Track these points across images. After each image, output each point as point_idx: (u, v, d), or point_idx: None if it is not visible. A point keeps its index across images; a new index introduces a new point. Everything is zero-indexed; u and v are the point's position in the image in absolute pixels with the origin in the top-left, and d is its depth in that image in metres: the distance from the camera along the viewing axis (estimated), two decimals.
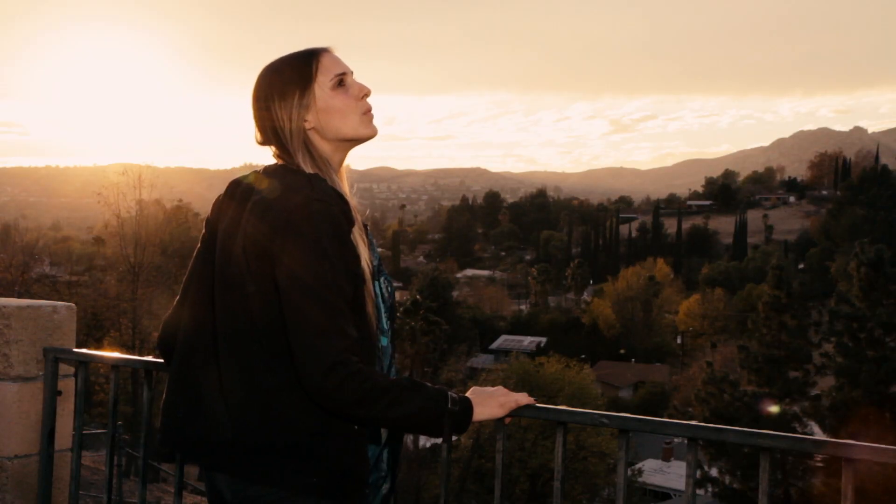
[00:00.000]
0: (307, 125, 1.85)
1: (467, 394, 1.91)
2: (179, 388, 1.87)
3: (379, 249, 1.93)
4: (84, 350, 3.01)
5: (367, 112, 1.90)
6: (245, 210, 1.79)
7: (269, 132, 1.87)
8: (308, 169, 1.83)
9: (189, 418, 1.83)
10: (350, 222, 1.76)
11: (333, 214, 1.72)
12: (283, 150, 1.86)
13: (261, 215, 1.74)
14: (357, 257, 1.77)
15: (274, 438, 1.72)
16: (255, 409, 1.73)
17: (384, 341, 1.86)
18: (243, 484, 1.75)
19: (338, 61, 1.89)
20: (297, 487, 1.72)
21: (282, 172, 1.82)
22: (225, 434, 1.75)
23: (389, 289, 1.92)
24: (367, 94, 1.90)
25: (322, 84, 1.85)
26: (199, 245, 1.95)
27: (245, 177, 1.90)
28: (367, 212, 1.94)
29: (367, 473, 1.79)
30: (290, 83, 1.85)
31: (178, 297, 1.97)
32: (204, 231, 1.94)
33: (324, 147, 1.88)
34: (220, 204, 1.92)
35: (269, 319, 1.73)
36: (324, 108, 1.85)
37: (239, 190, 1.87)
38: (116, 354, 2.82)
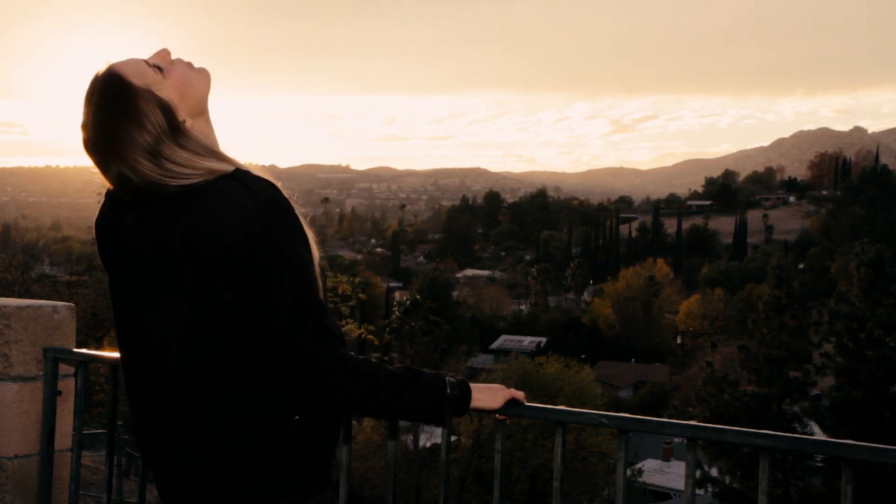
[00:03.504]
0: (186, 125, 1.69)
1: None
2: (144, 431, 1.78)
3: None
4: (84, 350, 3.00)
5: (190, 65, 1.75)
6: (166, 231, 1.64)
7: (153, 188, 1.64)
8: (215, 166, 1.67)
9: (164, 462, 1.74)
10: (293, 209, 1.68)
11: (288, 210, 1.65)
12: (179, 184, 1.64)
13: (212, 230, 1.60)
14: (309, 245, 1.70)
15: (256, 460, 1.67)
16: (230, 436, 1.67)
17: None
18: None
19: (133, 59, 1.71)
20: (285, 495, 1.70)
21: (199, 185, 1.64)
22: (202, 469, 1.68)
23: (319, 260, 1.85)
24: (169, 53, 1.74)
25: (156, 84, 1.68)
26: (108, 279, 1.81)
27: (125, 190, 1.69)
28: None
29: (334, 457, 1.80)
30: (139, 125, 1.64)
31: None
32: (104, 266, 1.81)
33: (202, 130, 1.73)
34: (112, 226, 1.76)
35: (222, 343, 1.65)
36: (179, 96, 1.69)
37: (135, 207, 1.69)
38: (116, 354, 2.80)
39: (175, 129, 1.67)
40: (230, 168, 1.67)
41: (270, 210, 1.61)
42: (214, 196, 1.62)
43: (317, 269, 1.71)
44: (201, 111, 1.75)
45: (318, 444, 1.73)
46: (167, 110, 1.67)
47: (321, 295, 1.71)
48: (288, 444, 1.68)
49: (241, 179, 1.64)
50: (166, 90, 1.69)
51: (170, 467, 1.73)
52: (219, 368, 1.66)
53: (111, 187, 1.75)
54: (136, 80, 1.67)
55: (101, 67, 1.70)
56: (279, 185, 1.68)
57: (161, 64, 1.71)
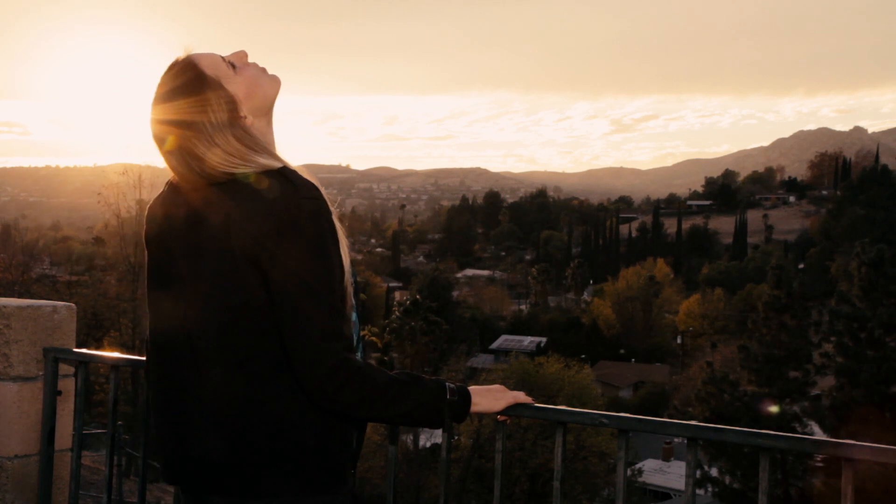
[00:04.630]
0: (247, 121, 1.79)
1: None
2: (163, 414, 1.83)
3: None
4: (84, 350, 3.00)
5: (264, 70, 1.87)
6: (210, 218, 1.72)
7: (204, 171, 1.75)
8: (266, 162, 1.75)
9: (180, 447, 1.78)
10: (331, 212, 1.73)
11: (324, 210, 1.70)
12: (227, 172, 1.74)
13: (248, 219, 1.67)
14: (340, 249, 1.75)
15: (269, 451, 1.70)
16: (246, 426, 1.70)
17: (354, 316, 1.85)
18: (241, 499, 1.72)
19: (211, 53, 1.82)
20: (297, 491, 1.72)
21: (246, 175, 1.73)
22: (218, 457, 1.71)
23: (352, 260, 1.89)
24: (246, 55, 1.86)
25: (226, 78, 1.79)
26: (146, 260, 1.87)
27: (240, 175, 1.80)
28: (338, 200, 1.86)
29: (351, 458, 1.82)
30: (202, 111, 1.76)
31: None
32: (147, 248, 1.87)
33: (261, 129, 1.82)
34: (165, 211, 1.84)
35: (251, 330, 1.69)
36: (245, 94, 1.80)
37: (188, 195, 1.79)
38: (116, 354, 2.81)
39: (234, 123, 1.77)
40: (279, 165, 1.75)
41: (306, 206, 1.67)
42: (256, 189, 1.70)
43: (347, 276, 1.76)
44: (265, 113, 1.84)
45: (333, 444, 1.75)
46: (231, 103, 1.77)
47: (349, 301, 1.76)
48: (302, 441, 1.71)
49: (286, 175, 1.71)
50: (234, 85, 1.79)
51: (186, 453, 1.76)
52: (242, 357, 1.70)
53: (173, 176, 1.85)
54: (208, 70, 1.78)
55: (180, 54, 1.82)
56: (323, 190, 1.74)
57: (235, 62, 1.83)
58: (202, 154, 1.74)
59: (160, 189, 1.91)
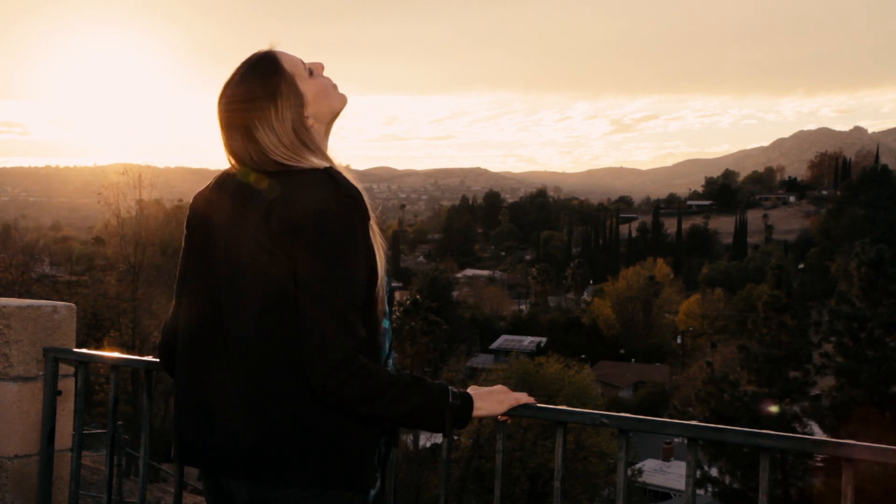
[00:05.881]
0: (308, 122, 1.86)
1: (468, 391, 1.92)
2: (189, 397, 1.86)
3: None
4: (84, 350, 3.00)
5: (335, 85, 1.96)
6: (253, 208, 1.77)
7: (257, 154, 1.82)
8: (316, 161, 1.82)
9: (204, 429, 1.81)
10: (368, 216, 1.77)
11: (360, 212, 1.74)
12: (277, 162, 1.81)
13: (284, 214, 1.72)
14: (373, 252, 1.78)
15: (295, 442, 1.72)
16: (274, 414, 1.73)
17: (386, 323, 1.87)
18: (263, 488, 1.74)
19: (289, 55, 1.91)
20: (319, 484, 1.74)
21: (295, 171, 1.79)
22: (244, 442, 1.74)
23: (388, 270, 1.94)
24: (323, 67, 1.95)
25: (301, 78, 1.87)
26: (184, 246, 1.92)
27: (238, 173, 1.86)
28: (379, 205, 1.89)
29: (376, 459, 1.84)
30: (271, 97, 1.82)
31: (174, 303, 1.95)
32: (188, 232, 1.91)
33: (319, 134, 1.89)
34: (210, 200, 1.89)
35: (284, 320, 1.72)
36: (314, 97, 1.87)
37: (234, 186, 1.84)
38: (116, 354, 2.81)
39: (296, 117, 1.84)
40: (326, 164, 1.81)
41: (345, 204, 1.72)
42: (302, 180, 1.76)
43: (380, 281, 1.79)
44: (326, 122, 1.92)
45: (357, 442, 1.77)
46: (299, 99, 1.85)
47: (380, 307, 1.80)
48: (327, 436, 1.73)
49: (331, 174, 1.77)
50: (306, 86, 1.87)
51: (211, 437, 1.79)
52: (274, 347, 1.73)
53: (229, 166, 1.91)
54: (286, 65, 1.87)
55: (263, 48, 1.92)
56: (365, 194, 1.79)
57: (313, 68, 1.92)
58: (259, 137, 1.80)
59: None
